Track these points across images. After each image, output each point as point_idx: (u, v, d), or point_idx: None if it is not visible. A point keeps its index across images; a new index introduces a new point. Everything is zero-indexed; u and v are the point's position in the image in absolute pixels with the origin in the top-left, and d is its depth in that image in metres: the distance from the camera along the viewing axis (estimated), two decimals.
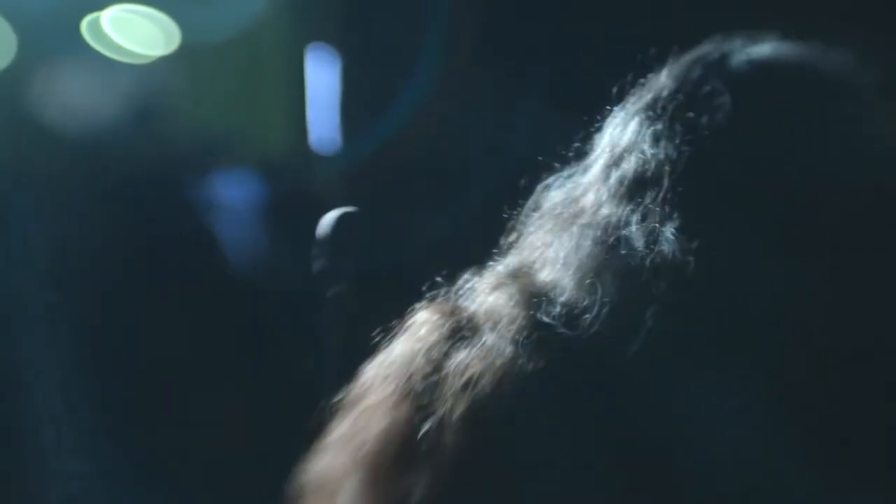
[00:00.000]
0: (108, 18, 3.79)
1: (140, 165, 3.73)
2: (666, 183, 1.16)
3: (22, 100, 3.73)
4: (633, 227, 1.14)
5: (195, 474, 3.16)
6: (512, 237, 1.28)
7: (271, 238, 3.71)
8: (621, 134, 1.22)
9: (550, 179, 1.28)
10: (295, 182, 3.67)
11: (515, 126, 2.61)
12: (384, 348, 1.19)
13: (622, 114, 1.25)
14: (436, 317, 1.18)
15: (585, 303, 1.13)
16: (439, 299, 1.22)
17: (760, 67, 1.21)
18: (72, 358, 3.28)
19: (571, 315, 1.13)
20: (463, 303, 1.20)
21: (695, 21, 2.95)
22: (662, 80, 1.24)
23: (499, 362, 1.11)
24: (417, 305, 1.21)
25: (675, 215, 1.14)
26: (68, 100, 3.74)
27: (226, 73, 3.86)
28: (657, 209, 1.14)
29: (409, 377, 1.14)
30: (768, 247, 1.13)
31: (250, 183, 3.82)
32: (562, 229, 1.21)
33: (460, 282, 1.23)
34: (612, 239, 1.15)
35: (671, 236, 1.12)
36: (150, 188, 3.73)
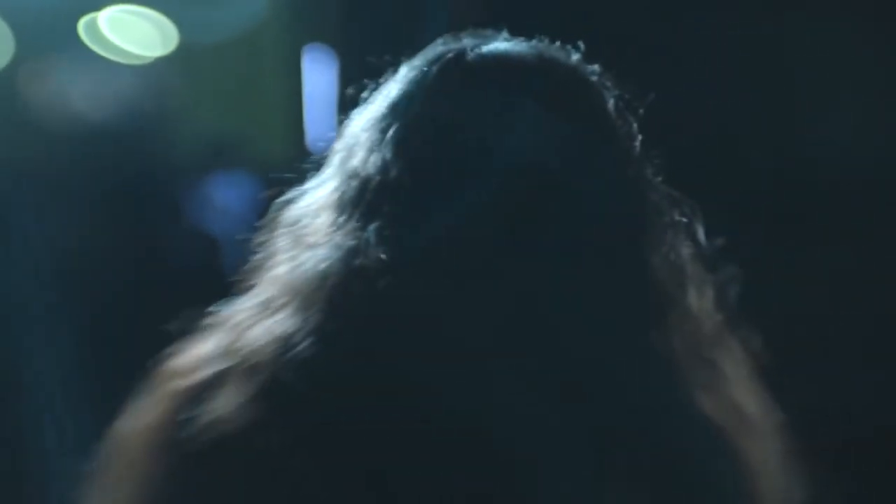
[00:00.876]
0: (105, 19, 3.79)
1: (137, 166, 3.73)
2: (379, 187, 1.16)
3: (19, 100, 3.73)
4: (350, 241, 1.14)
5: None
6: (254, 261, 1.25)
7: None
8: (354, 146, 1.21)
9: (291, 194, 1.26)
10: (292, 182, 3.67)
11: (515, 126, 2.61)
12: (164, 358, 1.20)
13: (358, 118, 1.24)
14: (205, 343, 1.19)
15: (305, 331, 1.12)
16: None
17: (489, 60, 1.22)
18: (72, 358, 3.27)
19: (302, 361, 1.12)
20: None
21: (695, 21, 2.95)
22: (394, 82, 1.24)
23: (249, 408, 1.11)
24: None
25: (379, 218, 1.14)
26: (66, 100, 3.74)
27: (223, 74, 3.86)
28: (368, 217, 1.14)
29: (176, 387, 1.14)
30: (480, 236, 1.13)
31: (248, 184, 3.82)
32: (293, 253, 1.19)
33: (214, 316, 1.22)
34: (328, 259, 1.14)
35: (373, 242, 1.12)
36: (147, 188, 3.73)
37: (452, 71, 1.20)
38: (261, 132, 3.96)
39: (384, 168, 1.16)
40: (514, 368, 1.08)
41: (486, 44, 1.23)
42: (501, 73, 1.20)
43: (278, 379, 1.10)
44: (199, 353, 1.17)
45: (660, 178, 1.20)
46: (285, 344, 1.12)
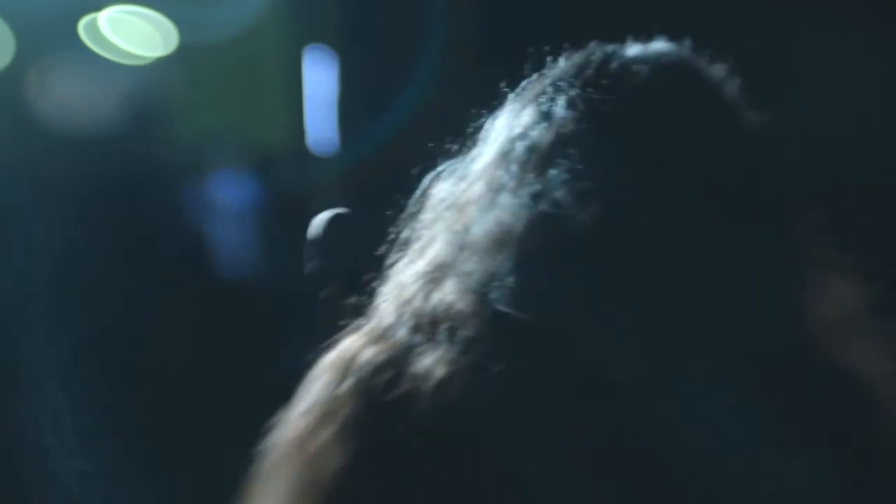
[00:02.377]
0: (105, 19, 3.80)
1: (137, 165, 3.74)
2: (575, 150, 1.16)
3: (20, 100, 3.73)
4: (543, 199, 1.15)
5: (195, 474, 3.16)
6: (406, 231, 1.26)
7: (268, 238, 3.71)
8: (516, 119, 1.23)
9: (440, 169, 1.27)
10: (292, 183, 3.68)
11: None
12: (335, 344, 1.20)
13: (516, 102, 1.25)
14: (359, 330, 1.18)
15: (521, 283, 1.13)
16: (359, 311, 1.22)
17: (655, 55, 1.24)
18: (72, 358, 3.28)
19: (516, 298, 1.12)
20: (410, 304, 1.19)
21: (695, 21, 2.95)
22: (559, 68, 1.26)
23: (467, 362, 1.10)
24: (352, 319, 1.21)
25: (588, 182, 1.14)
26: (66, 100, 3.74)
27: (223, 74, 3.86)
28: (567, 177, 1.15)
29: (370, 378, 1.13)
30: (692, 219, 1.14)
31: (247, 183, 3.83)
32: (461, 217, 1.20)
33: (380, 287, 1.22)
34: (522, 215, 1.15)
35: (587, 203, 1.13)
36: (147, 188, 3.73)
37: (610, 71, 1.22)
38: (261, 132, 3.97)
39: (560, 127, 1.17)
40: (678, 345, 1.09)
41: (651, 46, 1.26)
42: (695, 72, 1.23)
43: (485, 333, 1.10)
44: (373, 332, 1.17)
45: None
46: (481, 298, 1.12)
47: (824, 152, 3.02)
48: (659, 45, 1.26)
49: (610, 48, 1.25)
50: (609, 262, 1.12)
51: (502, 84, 1.29)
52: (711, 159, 1.18)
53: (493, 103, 1.28)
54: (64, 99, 3.75)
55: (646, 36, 1.25)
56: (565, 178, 1.15)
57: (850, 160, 2.96)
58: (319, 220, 2.64)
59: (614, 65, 1.22)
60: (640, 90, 1.21)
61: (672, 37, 1.25)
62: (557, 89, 1.22)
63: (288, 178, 3.74)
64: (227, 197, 3.81)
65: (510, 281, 1.12)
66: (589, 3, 2.60)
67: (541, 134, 1.19)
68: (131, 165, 3.72)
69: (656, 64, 1.22)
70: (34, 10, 3.71)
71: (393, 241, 1.26)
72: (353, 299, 1.27)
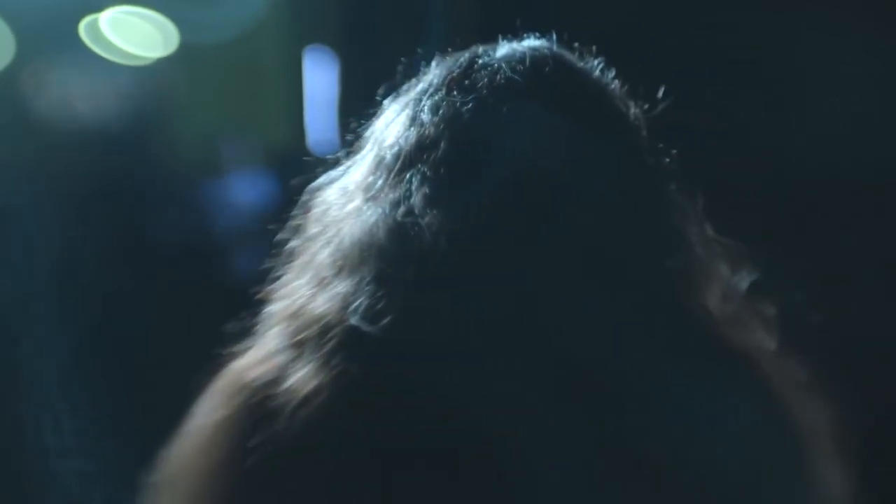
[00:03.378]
0: (106, 20, 3.79)
1: (138, 166, 3.73)
2: (433, 156, 1.17)
3: (20, 101, 3.73)
4: (400, 207, 1.14)
5: None
6: (291, 245, 1.26)
7: (269, 238, 3.71)
8: (390, 125, 1.23)
9: (321, 180, 1.28)
10: (294, 183, 3.67)
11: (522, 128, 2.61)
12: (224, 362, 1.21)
13: (392, 106, 1.26)
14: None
15: (376, 294, 1.13)
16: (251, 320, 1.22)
17: (521, 53, 1.24)
18: (73, 358, 3.27)
19: (369, 310, 1.13)
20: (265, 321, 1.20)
21: (695, 21, 2.95)
22: (433, 70, 1.26)
23: (327, 376, 1.11)
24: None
25: (433, 191, 1.15)
26: (66, 101, 3.74)
27: (224, 75, 3.86)
28: (422, 184, 1.15)
29: (251, 399, 1.14)
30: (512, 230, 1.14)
31: (249, 184, 3.82)
32: (336, 231, 1.20)
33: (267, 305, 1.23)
34: (382, 224, 1.16)
35: (428, 213, 1.13)
36: (148, 189, 3.73)
37: (474, 72, 1.22)
38: (261, 132, 3.96)
39: (422, 132, 1.17)
40: (519, 366, 1.09)
41: (508, 48, 1.25)
42: (514, 78, 1.22)
43: (345, 343, 1.11)
44: (266, 347, 1.19)
45: (671, 174, 1.21)
46: (346, 306, 1.12)
47: (823, 151, 3.02)
48: (528, 42, 1.25)
49: (481, 48, 1.26)
50: (460, 270, 1.12)
51: (378, 90, 1.29)
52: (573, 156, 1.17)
53: (369, 110, 1.28)
54: (64, 99, 3.74)
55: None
56: (420, 185, 1.15)
57: (850, 160, 2.97)
58: None
59: (478, 65, 1.22)
60: (498, 88, 1.19)
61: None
62: (426, 93, 1.22)
63: (288, 178, 3.73)
64: (227, 196, 3.81)
65: (368, 292, 1.12)
66: (589, 3, 2.60)
67: (406, 140, 1.19)
68: (131, 165, 3.71)
69: (520, 61, 1.22)
70: (34, 11, 3.71)
71: (278, 257, 1.25)
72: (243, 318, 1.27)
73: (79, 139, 3.73)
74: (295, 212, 1.27)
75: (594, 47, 1.30)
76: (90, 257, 3.46)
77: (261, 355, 1.18)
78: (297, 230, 1.26)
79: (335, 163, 1.28)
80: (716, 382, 1.13)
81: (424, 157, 1.17)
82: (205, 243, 3.72)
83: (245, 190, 3.80)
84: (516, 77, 1.21)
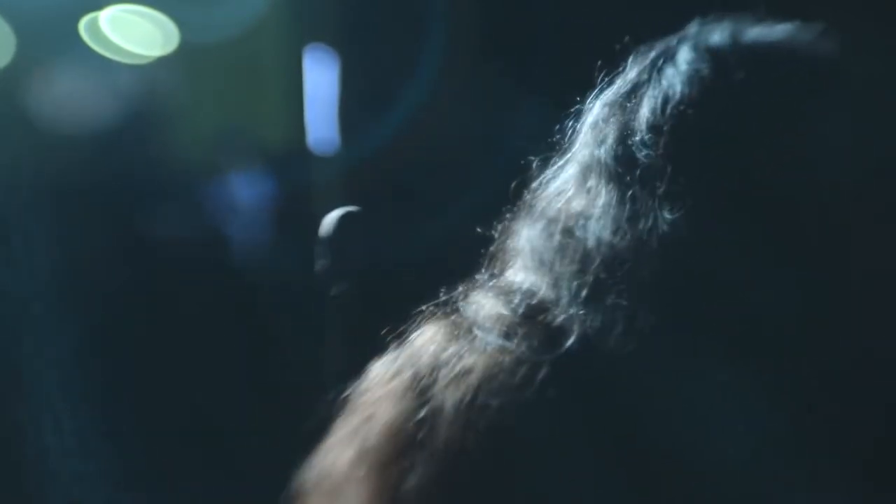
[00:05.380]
0: (106, 18, 3.79)
1: (138, 165, 3.74)
2: (650, 169, 1.13)
3: (20, 100, 3.73)
4: (610, 215, 1.13)
5: (197, 475, 3.16)
6: (502, 240, 1.25)
7: (272, 238, 3.71)
8: (601, 124, 1.20)
9: (542, 178, 1.24)
10: (294, 182, 3.67)
11: (516, 125, 2.61)
12: (391, 349, 1.19)
13: (600, 104, 1.22)
14: (439, 326, 1.17)
15: (564, 297, 1.12)
16: (441, 310, 1.20)
17: (748, 49, 1.18)
18: (73, 358, 3.28)
19: (552, 309, 1.12)
20: (462, 310, 1.18)
21: (696, 14, 2.95)
22: (640, 66, 1.21)
23: (488, 354, 1.10)
24: (423, 313, 1.20)
25: (663, 203, 1.11)
26: (66, 100, 3.74)
27: (224, 74, 3.86)
28: (640, 196, 1.13)
29: (414, 374, 1.13)
30: (758, 242, 1.11)
31: (249, 183, 3.82)
32: (542, 227, 1.18)
33: (459, 290, 1.21)
34: (584, 230, 1.13)
35: (660, 222, 1.10)
36: (148, 188, 3.73)
37: (729, 67, 1.16)
38: (261, 131, 3.96)
39: (630, 152, 1.15)
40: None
41: (748, 32, 1.20)
42: (792, 72, 1.16)
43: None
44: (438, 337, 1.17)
45: None
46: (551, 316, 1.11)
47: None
48: (757, 35, 1.20)
49: (693, 40, 1.20)
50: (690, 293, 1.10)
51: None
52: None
53: (576, 104, 1.25)
54: (64, 98, 3.74)
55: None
56: (661, 204, 1.12)
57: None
58: (330, 219, 2.64)
59: (694, 68, 1.17)
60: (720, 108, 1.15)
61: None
62: (633, 94, 1.19)
63: (290, 177, 3.73)
64: (229, 196, 3.81)
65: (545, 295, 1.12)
66: (589, 3, 2.59)
67: (614, 152, 1.16)
68: (130, 164, 3.72)
69: (749, 65, 1.16)
70: (34, 9, 3.71)
71: (493, 249, 1.26)
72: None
73: (78, 137, 3.73)
74: (508, 211, 1.25)
75: (590, 49, 1.29)
76: (90, 257, 3.46)
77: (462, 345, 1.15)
78: (511, 230, 1.24)
79: (544, 162, 1.26)
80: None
81: (624, 179, 1.13)
82: (205, 242, 3.72)
83: (245, 189, 3.80)
84: (728, 101, 1.14)
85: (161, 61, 3.87)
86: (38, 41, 3.74)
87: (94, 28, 3.79)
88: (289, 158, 3.71)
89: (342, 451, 1.16)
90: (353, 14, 3.45)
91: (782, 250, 1.10)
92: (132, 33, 3.83)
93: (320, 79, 3.57)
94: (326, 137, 3.51)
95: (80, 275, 3.40)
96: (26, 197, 3.52)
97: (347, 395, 1.18)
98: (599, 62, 1.25)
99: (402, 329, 1.19)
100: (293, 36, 3.72)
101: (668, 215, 1.09)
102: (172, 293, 3.39)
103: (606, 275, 1.10)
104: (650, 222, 1.10)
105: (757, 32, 1.19)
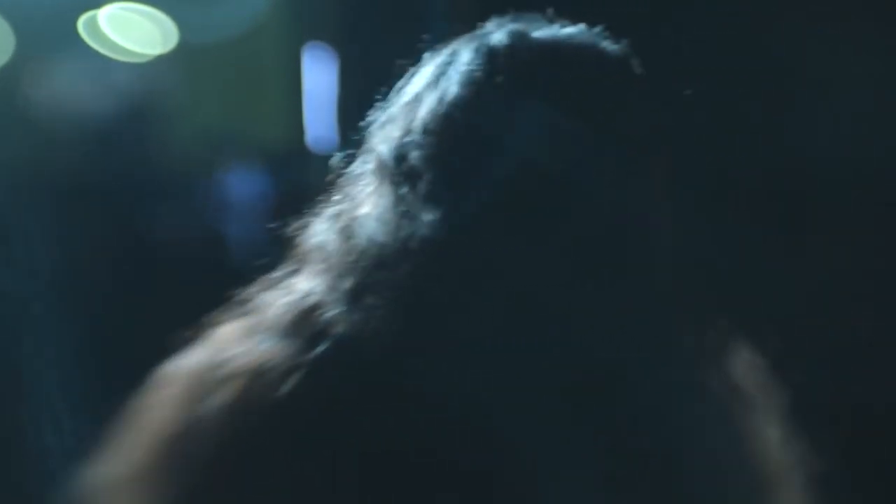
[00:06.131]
0: (105, 17, 3.79)
1: (136, 164, 3.73)
2: (417, 171, 1.15)
3: (18, 98, 3.72)
4: (382, 217, 1.14)
5: None
6: (298, 239, 1.26)
7: (272, 238, 3.71)
8: (389, 124, 1.22)
9: (342, 175, 1.27)
10: (293, 181, 3.67)
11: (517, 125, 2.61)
12: (178, 351, 1.20)
13: (396, 102, 1.24)
14: (230, 327, 1.19)
15: (334, 297, 1.14)
16: (234, 310, 1.22)
17: (523, 50, 1.20)
18: (73, 359, 3.27)
19: (323, 310, 1.14)
20: (251, 310, 1.20)
21: (695, 21, 2.95)
22: (434, 64, 1.24)
23: (259, 356, 1.12)
24: (216, 313, 1.22)
25: (425, 204, 1.13)
26: (65, 98, 3.74)
27: (223, 73, 3.86)
28: (408, 197, 1.14)
29: (190, 379, 1.14)
30: (515, 246, 1.13)
31: (248, 182, 3.82)
32: (328, 226, 1.21)
33: (253, 289, 1.23)
34: (361, 229, 1.16)
35: (420, 224, 1.12)
36: (147, 186, 3.73)
37: (491, 65, 1.18)
38: (261, 130, 3.96)
39: (404, 152, 1.16)
40: (521, 366, 1.09)
41: (523, 34, 1.22)
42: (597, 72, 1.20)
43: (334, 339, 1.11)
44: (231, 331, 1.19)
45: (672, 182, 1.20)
46: (308, 306, 1.13)
47: (824, 151, 3.02)
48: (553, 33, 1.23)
49: (471, 40, 1.22)
50: (459, 268, 1.12)
51: (379, 89, 1.27)
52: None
53: (369, 108, 1.27)
54: (63, 96, 3.74)
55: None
56: (418, 184, 1.15)
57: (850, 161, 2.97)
58: None
59: (474, 58, 1.20)
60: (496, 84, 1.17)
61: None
62: (426, 87, 1.21)
63: (288, 177, 3.73)
64: (228, 195, 3.80)
65: (361, 289, 1.14)
66: (590, 3, 2.59)
67: (406, 137, 1.18)
68: (129, 163, 3.71)
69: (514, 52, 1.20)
70: (34, 8, 3.71)
71: (290, 247, 1.26)
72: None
73: (77, 136, 3.72)
74: (302, 212, 1.26)
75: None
76: (90, 256, 3.45)
77: (241, 346, 1.17)
78: (306, 228, 1.25)
79: (340, 160, 1.27)
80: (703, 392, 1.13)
81: (425, 155, 1.16)
82: (204, 242, 3.71)
83: (244, 188, 3.80)
84: (513, 71, 1.18)
85: (160, 60, 3.86)
86: (36, 39, 3.73)
87: (92, 26, 3.78)
88: (288, 158, 3.71)
89: (115, 462, 1.17)
90: (353, 14, 3.45)
91: (542, 256, 1.12)
92: (131, 32, 3.83)
93: (320, 78, 3.57)
94: (326, 137, 3.51)
95: (80, 275, 3.40)
96: (24, 195, 3.51)
97: (133, 402, 1.20)
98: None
99: (192, 330, 1.21)
100: (293, 35, 3.72)
101: (428, 217, 1.11)
102: (172, 293, 3.39)
103: (370, 276, 1.12)
104: (413, 224, 1.12)
105: (541, 33, 1.21)
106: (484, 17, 1.30)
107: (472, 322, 1.10)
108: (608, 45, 1.22)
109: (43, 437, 3.17)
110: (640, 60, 1.22)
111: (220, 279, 1.30)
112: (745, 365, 1.19)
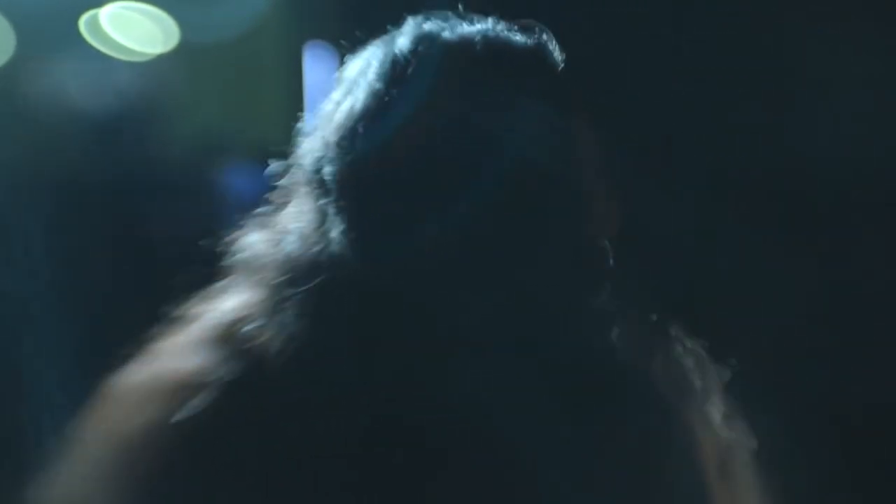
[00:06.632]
0: (106, 16, 3.79)
1: (137, 163, 3.73)
2: (329, 185, 1.15)
3: (19, 97, 3.73)
4: (300, 231, 1.15)
5: None
6: (233, 251, 1.28)
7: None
8: (312, 136, 1.22)
9: (274, 187, 1.28)
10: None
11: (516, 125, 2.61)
12: (124, 364, 1.22)
13: (333, 96, 1.24)
14: (172, 340, 1.19)
15: (255, 311, 1.16)
16: (176, 324, 1.23)
17: (430, 55, 1.21)
18: (73, 359, 3.28)
19: (244, 323, 1.16)
20: (187, 323, 1.21)
21: (695, 21, 2.95)
22: (351, 74, 1.23)
23: (187, 370, 1.15)
24: (160, 327, 1.23)
25: (335, 219, 1.14)
26: (65, 97, 3.74)
27: (224, 71, 3.86)
28: (323, 212, 1.15)
29: (125, 396, 1.16)
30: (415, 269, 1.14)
31: (248, 181, 3.82)
32: (258, 239, 1.23)
33: (192, 303, 1.23)
34: (283, 245, 1.18)
35: (331, 238, 1.12)
36: (147, 185, 3.73)
37: (456, 60, 1.18)
38: (261, 129, 3.96)
39: (320, 166, 1.17)
40: (507, 363, 1.09)
41: (466, 29, 1.22)
42: (503, 68, 1.18)
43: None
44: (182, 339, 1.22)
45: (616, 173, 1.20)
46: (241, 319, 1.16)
47: (824, 152, 3.02)
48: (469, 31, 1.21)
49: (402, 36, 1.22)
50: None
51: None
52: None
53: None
54: (63, 95, 3.74)
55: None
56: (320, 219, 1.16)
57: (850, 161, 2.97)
58: None
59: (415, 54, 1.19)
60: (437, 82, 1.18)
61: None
62: (370, 84, 1.23)
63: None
64: (227, 193, 3.80)
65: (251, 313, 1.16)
66: (590, 3, 2.59)
67: (323, 163, 1.20)
68: (130, 162, 3.71)
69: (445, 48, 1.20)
70: (34, 7, 3.71)
71: (225, 260, 1.28)
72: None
73: (77, 135, 3.73)
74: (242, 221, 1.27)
75: (594, 47, 1.29)
76: (90, 255, 3.46)
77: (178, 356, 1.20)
78: (241, 240, 1.26)
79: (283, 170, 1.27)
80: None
81: (335, 170, 1.18)
82: (204, 241, 3.71)
83: (244, 187, 3.80)
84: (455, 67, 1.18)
85: (161, 59, 3.86)
86: (37, 38, 3.73)
87: (94, 25, 3.79)
88: (288, 157, 3.71)
89: (65, 476, 1.19)
90: (353, 14, 3.45)
91: (442, 274, 1.13)
92: (132, 31, 3.83)
93: (320, 77, 3.57)
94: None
95: (80, 275, 3.40)
96: (24, 195, 3.51)
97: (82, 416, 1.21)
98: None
99: (137, 344, 1.23)
100: (294, 34, 3.72)
101: (335, 232, 1.12)
102: (172, 291, 3.39)
103: (285, 289, 1.14)
104: (325, 239, 1.13)
105: (448, 34, 1.22)
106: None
107: (373, 331, 1.12)
108: (517, 39, 1.21)
109: (43, 437, 3.18)
110: (557, 49, 1.22)
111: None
112: (684, 353, 1.19)
